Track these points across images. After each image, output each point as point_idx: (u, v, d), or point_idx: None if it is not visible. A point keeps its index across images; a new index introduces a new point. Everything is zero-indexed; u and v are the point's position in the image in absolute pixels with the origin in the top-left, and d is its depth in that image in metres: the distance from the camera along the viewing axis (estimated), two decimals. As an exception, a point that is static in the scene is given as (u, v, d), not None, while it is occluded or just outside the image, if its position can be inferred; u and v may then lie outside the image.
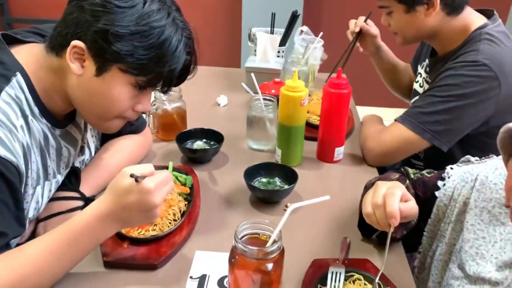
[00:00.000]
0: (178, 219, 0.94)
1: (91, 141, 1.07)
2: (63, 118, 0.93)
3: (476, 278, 0.81)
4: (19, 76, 0.80)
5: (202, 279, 0.83)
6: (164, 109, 1.30)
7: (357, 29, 1.46)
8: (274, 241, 0.71)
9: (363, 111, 1.51)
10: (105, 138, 1.14)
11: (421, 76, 1.42)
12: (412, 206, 0.84)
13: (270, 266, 0.71)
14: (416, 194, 0.96)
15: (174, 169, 1.09)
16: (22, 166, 0.78)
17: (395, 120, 1.21)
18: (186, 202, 1.00)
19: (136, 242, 0.88)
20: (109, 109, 0.86)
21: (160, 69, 0.83)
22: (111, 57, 0.79)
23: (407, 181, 0.96)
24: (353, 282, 0.78)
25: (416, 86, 1.45)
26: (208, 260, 0.87)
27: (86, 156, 1.05)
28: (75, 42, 0.79)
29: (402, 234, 0.93)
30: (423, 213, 0.95)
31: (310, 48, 1.62)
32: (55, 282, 0.78)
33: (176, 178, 1.07)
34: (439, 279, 0.93)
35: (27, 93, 0.82)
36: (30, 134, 0.82)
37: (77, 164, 1.02)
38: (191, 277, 0.83)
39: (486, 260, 0.81)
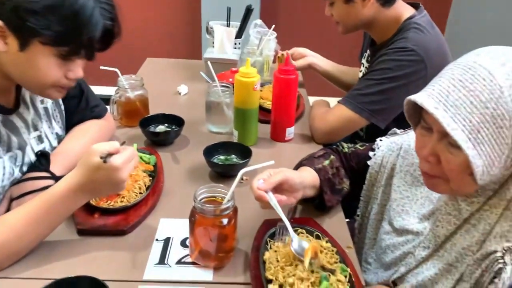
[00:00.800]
0: (144, 192, 1.05)
1: (49, 131, 1.12)
2: (9, 104, 0.98)
3: (402, 230, 0.96)
4: None
5: (167, 240, 0.94)
6: (127, 97, 1.39)
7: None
8: (228, 200, 0.83)
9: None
10: (69, 126, 1.21)
11: (363, 66, 1.57)
12: (275, 179, 0.90)
13: (225, 221, 0.83)
14: (351, 165, 1.11)
15: (138, 150, 1.19)
16: None
17: (338, 102, 1.36)
18: (151, 178, 1.10)
19: (106, 212, 0.98)
20: (41, 80, 0.91)
21: (79, 38, 0.87)
22: (28, 32, 0.83)
23: (332, 156, 1.09)
24: (297, 234, 0.92)
25: (360, 75, 1.60)
26: (171, 225, 0.98)
27: (46, 145, 1.10)
28: None
29: (337, 201, 1.08)
30: (359, 181, 1.10)
31: (264, 40, 1.74)
32: (32, 247, 0.87)
33: (141, 158, 1.17)
34: (374, 235, 1.07)
35: None
36: None
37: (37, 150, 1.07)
38: (156, 240, 0.94)
39: (410, 215, 0.96)
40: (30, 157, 1.04)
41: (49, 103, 1.12)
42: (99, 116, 1.25)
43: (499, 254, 0.76)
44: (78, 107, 1.21)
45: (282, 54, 1.66)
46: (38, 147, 1.08)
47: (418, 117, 0.83)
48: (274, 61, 1.84)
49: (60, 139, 1.16)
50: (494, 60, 0.72)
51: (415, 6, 1.40)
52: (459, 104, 0.71)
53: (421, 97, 0.74)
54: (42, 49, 0.86)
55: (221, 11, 1.89)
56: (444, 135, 0.75)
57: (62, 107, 1.18)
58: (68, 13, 0.83)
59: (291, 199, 0.96)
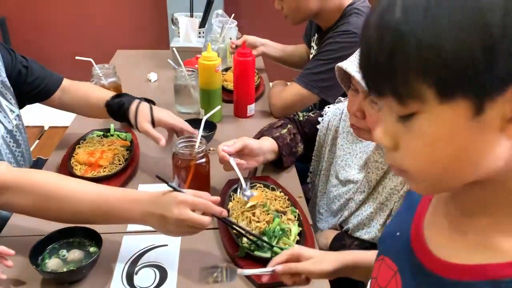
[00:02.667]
0: (123, 163, 1.19)
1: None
2: None
3: (346, 181, 1.14)
4: None
5: (146, 200, 1.09)
6: (101, 84, 1.52)
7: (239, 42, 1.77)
8: (200, 144, 1.04)
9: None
10: (23, 100, 1.24)
11: (313, 49, 1.75)
12: (236, 145, 1.07)
13: (201, 160, 1.03)
14: (304, 131, 1.29)
15: (115, 130, 1.34)
16: None
17: (293, 80, 1.53)
18: (128, 152, 1.25)
19: (91, 181, 1.11)
20: None
21: None
22: None
23: (289, 125, 1.27)
24: (256, 189, 1.09)
25: (311, 57, 1.78)
26: (149, 190, 1.14)
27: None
28: None
29: (292, 162, 1.26)
30: (311, 143, 1.28)
31: (225, 28, 1.89)
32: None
33: (118, 136, 1.32)
34: (324, 189, 1.26)
35: None
36: None
37: None
38: (137, 200, 1.09)
39: (351, 167, 1.15)
40: None
41: None
42: (56, 84, 1.27)
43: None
44: (26, 80, 1.22)
45: (236, 46, 1.78)
46: None
47: (349, 82, 1.00)
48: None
49: (19, 118, 1.21)
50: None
51: None
52: None
53: (345, 64, 0.92)
54: None
55: (185, 3, 2.03)
56: (367, 94, 0.93)
57: (12, 89, 1.19)
58: None
59: (253, 162, 1.13)
